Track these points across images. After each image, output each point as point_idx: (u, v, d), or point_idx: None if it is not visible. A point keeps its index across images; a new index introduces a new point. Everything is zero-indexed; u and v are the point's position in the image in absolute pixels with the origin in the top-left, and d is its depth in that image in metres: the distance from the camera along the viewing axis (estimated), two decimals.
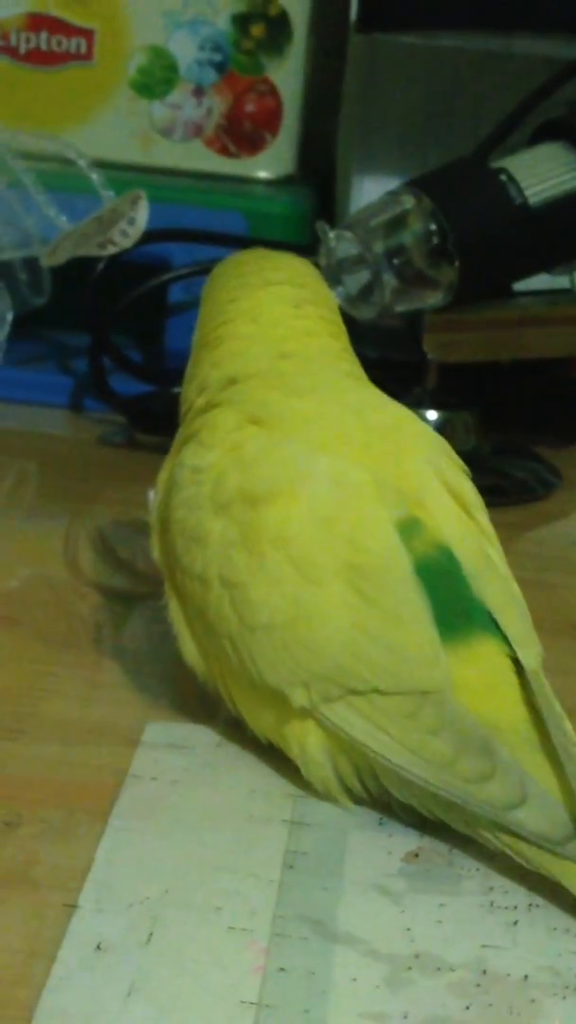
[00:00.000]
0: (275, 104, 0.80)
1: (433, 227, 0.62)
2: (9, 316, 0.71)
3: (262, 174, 0.81)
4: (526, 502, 0.66)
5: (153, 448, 0.65)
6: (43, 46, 0.79)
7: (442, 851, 0.37)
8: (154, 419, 0.69)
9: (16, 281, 0.72)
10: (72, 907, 0.34)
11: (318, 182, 0.84)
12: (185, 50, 0.79)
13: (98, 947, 0.32)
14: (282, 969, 0.32)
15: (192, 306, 0.48)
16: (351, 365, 0.44)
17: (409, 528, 0.38)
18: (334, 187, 0.84)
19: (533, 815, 0.35)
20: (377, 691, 0.37)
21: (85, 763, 0.40)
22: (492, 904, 0.35)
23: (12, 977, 0.31)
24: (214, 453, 0.40)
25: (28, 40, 0.79)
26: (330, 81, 0.83)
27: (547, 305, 0.69)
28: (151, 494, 0.44)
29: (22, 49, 0.79)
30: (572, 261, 0.67)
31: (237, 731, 0.41)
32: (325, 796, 0.39)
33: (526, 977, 0.33)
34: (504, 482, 0.67)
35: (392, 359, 0.68)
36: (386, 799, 0.38)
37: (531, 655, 0.38)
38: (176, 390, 0.47)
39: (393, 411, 0.42)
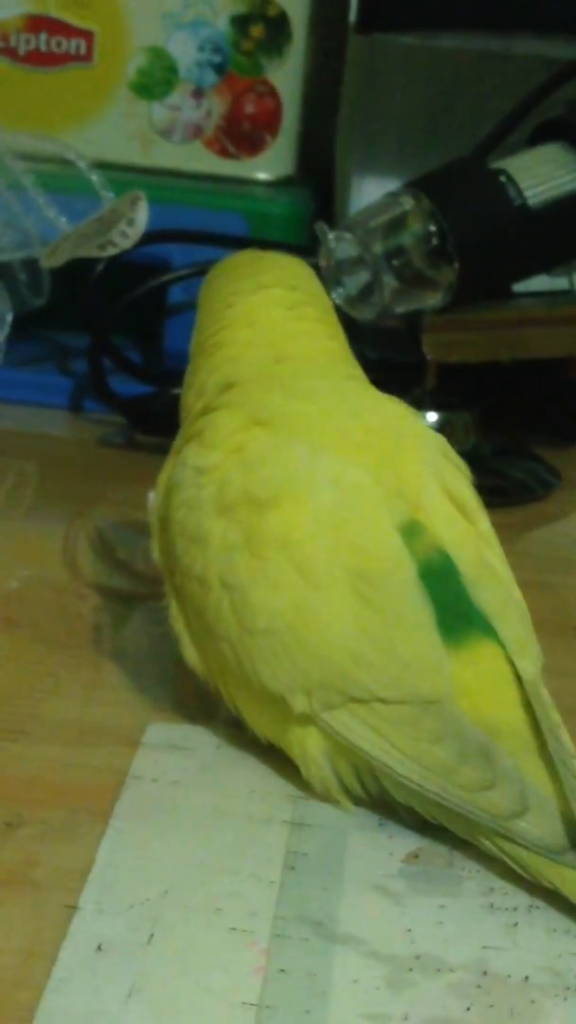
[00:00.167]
0: (274, 105, 0.80)
1: (432, 228, 0.62)
2: (9, 317, 0.71)
3: (262, 175, 0.81)
4: (526, 502, 0.66)
5: (153, 449, 0.65)
6: (43, 47, 0.79)
7: (442, 852, 0.37)
8: (154, 420, 0.69)
9: (16, 282, 0.72)
10: (73, 908, 0.34)
11: (318, 183, 0.84)
12: (184, 51, 0.79)
13: (99, 948, 0.32)
14: (283, 970, 0.32)
15: (192, 307, 0.48)
16: (348, 366, 0.44)
17: (410, 531, 0.38)
18: (333, 188, 0.84)
19: (533, 825, 0.35)
20: (380, 699, 0.36)
21: (85, 764, 0.40)
22: (492, 905, 0.35)
23: (12, 978, 0.31)
24: (217, 454, 0.40)
25: (28, 41, 0.79)
26: (329, 82, 0.83)
27: (547, 305, 0.69)
28: (151, 495, 0.43)
29: (22, 50, 0.79)
30: (571, 262, 0.67)
31: (237, 732, 0.41)
32: (325, 797, 0.39)
33: (526, 978, 0.33)
34: (504, 482, 0.67)
35: (392, 360, 0.68)
36: (386, 800, 0.38)
37: (529, 664, 0.38)
38: (176, 391, 0.47)
39: (392, 412, 0.42)
